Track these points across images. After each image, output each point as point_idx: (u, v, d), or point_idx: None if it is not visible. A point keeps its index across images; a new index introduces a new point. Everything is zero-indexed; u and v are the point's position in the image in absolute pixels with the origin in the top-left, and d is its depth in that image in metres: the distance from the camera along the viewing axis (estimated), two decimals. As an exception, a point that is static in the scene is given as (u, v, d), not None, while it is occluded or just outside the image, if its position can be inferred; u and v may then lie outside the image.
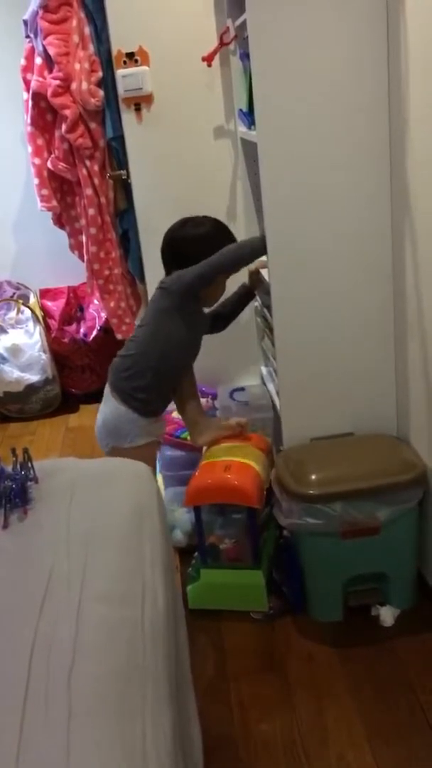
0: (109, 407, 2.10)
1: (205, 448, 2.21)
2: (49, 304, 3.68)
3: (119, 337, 3.05)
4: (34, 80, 2.73)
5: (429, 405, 1.85)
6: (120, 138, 2.65)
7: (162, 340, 2.05)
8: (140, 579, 1.10)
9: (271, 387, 2.42)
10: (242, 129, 2.35)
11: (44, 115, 2.80)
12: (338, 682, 1.79)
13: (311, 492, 1.84)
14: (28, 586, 1.05)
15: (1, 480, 1.28)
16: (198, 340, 2.16)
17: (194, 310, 2.10)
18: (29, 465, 1.35)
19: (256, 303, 2.54)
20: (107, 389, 2.12)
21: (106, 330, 3.36)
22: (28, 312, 3.55)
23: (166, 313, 2.05)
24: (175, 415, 2.62)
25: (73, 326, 3.65)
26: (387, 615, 1.94)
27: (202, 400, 2.60)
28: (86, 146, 2.72)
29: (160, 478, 2.41)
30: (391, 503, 1.86)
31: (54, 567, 1.09)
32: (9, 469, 1.34)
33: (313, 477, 1.88)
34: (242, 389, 2.54)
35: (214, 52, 2.37)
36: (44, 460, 1.52)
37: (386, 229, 1.93)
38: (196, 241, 2.05)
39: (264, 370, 2.57)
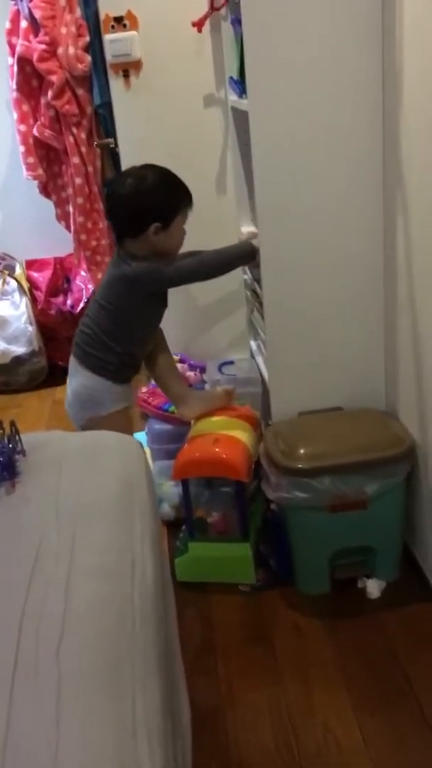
0: (78, 379, 2.07)
1: (193, 422, 2.20)
2: (35, 275, 3.63)
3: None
4: (20, 44, 2.66)
5: (418, 380, 1.85)
6: (107, 105, 2.60)
7: (126, 323, 2.05)
8: (129, 553, 1.10)
9: (260, 361, 2.41)
10: (233, 97, 2.31)
11: (30, 80, 2.74)
12: (324, 654, 1.80)
13: (300, 466, 1.84)
14: (17, 560, 1.04)
15: (-12, 453, 1.27)
16: (163, 310, 2.14)
17: (160, 293, 2.10)
18: (17, 438, 1.33)
19: (246, 276, 2.52)
20: (73, 362, 2.10)
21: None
22: (14, 283, 3.50)
23: (129, 303, 2.03)
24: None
25: (60, 298, 3.61)
26: (373, 587, 1.95)
27: (190, 374, 2.59)
28: (73, 113, 2.67)
29: (148, 451, 2.40)
30: (379, 477, 1.86)
31: (43, 541, 1.08)
32: (-4, 441, 1.33)
33: (302, 451, 1.88)
34: (231, 362, 2.52)
35: (205, 18, 2.31)
36: (32, 433, 1.51)
37: (378, 202, 1.91)
38: (142, 201, 1.95)
39: (253, 343, 2.55)
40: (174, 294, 2.68)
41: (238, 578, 2.03)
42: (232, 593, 2.02)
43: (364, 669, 1.75)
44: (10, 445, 1.30)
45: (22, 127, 2.80)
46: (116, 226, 2.06)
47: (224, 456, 1.95)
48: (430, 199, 1.64)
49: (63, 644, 0.88)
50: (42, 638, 0.90)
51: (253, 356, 2.55)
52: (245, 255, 2.06)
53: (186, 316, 2.69)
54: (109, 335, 2.04)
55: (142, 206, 1.94)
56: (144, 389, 2.61)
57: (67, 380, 2.14)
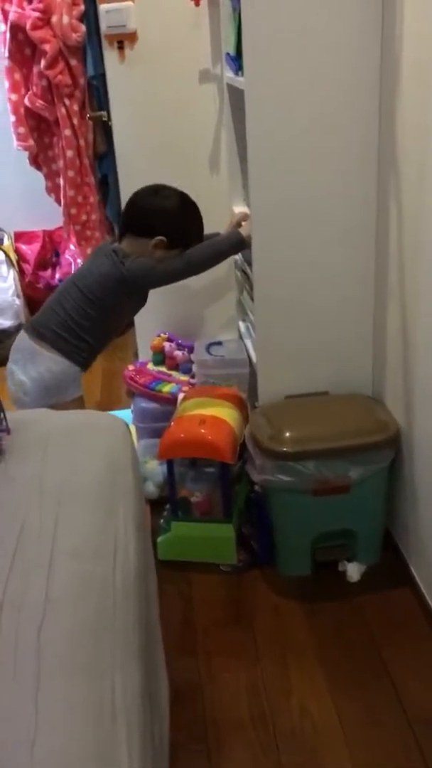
0: (43, 365, 2.02)
1: (179, 402, 2.19)
2: (23, 247, 3.59)
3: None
4: (13, 11, 2.60)
5: (405, 366, 1.85)
6: (101, 77, 2.55)
7: (106, 319, 2.06)
8: (112, 535, 1.10)
9: (248, 342, 2.40)
10: (229, 74, 2.27)
11: (22, 48, 2.68)
12: (303, 635, 1.82)
13: (285, 449, 1.85)
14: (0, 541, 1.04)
15: (-27, 431, 1.26)
16: (143, 304, 2.18)
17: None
18: (1, 415, 1.32)
19: (236, 257, 2.50)
20: (35, 345, 2.04)
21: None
22: (1, 255, 3.46)
23: (117, 298, 2.04)
24: (151, 366, 2.60)
25: (48, 271, 3.58)
26: (353, 571, 1.97)
27: (178, 353, 2.58)
28: (66, 84, 2.63)
29: (133, 429, 2.40)
30: (363, 463, 1.87)
31: (26, 521, 1.08)
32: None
33: (288, 435, 1.88)
34: (219, 343, 2.51)
35: (203, -9, 2.27)
36: (17, 411, 1.50)
37: (372, 187, 1.90)
38: (162, 214, 2.02)
39: (242, 325, 2.54)
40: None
41: (220, 558, 2.04)
42: (213, 573, 2.03)
43: (341, 651, 1.77)
44: (-5, 424, 1.29)
45: (14, 96, 2.75)
46: (126, 221, 2.09)
47: (210, 437, 1.95)
48: (424, 185, 1.63)
49: (44, 626, 0.89)
50: (23, 619, 0.90)
51: (241, 337, 2.54)
52: (234, 245, 2.07)
53: (175, 295, 2.67)
54: (83, 327, 2.03)
55: (161, 217, 2.02)
56: (131, 367, 2.60)
57: (13, 367, 2.06)
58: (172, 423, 2.06)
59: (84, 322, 2.03)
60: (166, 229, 2.00)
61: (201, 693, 1.68)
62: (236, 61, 2.14)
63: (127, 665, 0.89)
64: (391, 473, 1.95)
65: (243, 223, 2.14)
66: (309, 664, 1.74)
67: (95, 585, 0.98)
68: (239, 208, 2.40)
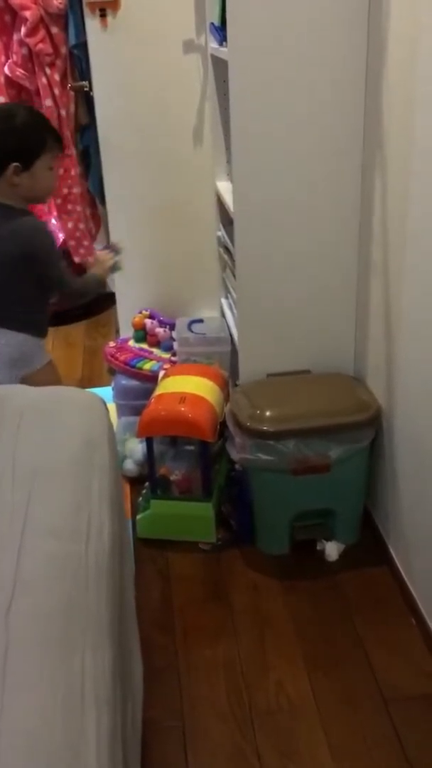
0: (3, 339, 1.97)
1: (160, 379, 2.17)
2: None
3: (76, 260, 2.95)
4: (-8, -25, 2.53)
5: (387, 346, 1.84)
6: (83, 46, 2.49)
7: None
8: (86, 513, 1.08)
9: (230, 320, 2.38)
10: (213, 45, 2.22)
11: (2, 15, 2.61)
12: (281, 614, 1.82)
13: (265, 428, 1.83)
14: (-31, 518, 1.02)
15: None
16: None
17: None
18: (-25, 391, 1.30)
19: (219, 232, 2.47)
20: None
21: (63, 252, 3.24)
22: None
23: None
24: (132, 343, 2.57)
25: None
26: (332, 550, 1.97)
27: (159, 330, 2.56)
28: (47, 52, 2.56)
29: (112, 407, 2.38)
30: (343, 442, 1.86)
31: (-3, 498, 1.06)
32: None
33: (268, 413, 1.87)
34: (201, 321, 2.49)
35: (187, -42, 2.21)
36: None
37: (356, 162, 1.87)
38: (4, 133, 1.87)
39: (224, 302, 2.52)
40: (146, 249, 2.63)
41: (199, 536, 2.04)
42: (192, 551, 2.02)
43: (318, 629, 1.77)
44: (-32, 399, 1.27)
45: (-7, 65, 2.68)
46: None
47: (190, 415, 1.93)
48: (408, 160, 1.61)
49: (13, 606, 0.87)
50: (-8, 598, 0.88)
51: (223, 315, 2.51)
52: (97, 284, 2.14)
53: (157, 271, 2.64)
54: (24, 301, 1.99)
55: (12, 138, 1.87)
56: (111, 344, 2.58)
57: None
58: (152, 400, 2.04)
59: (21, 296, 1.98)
60: (13, 153, 1.86)
61: (177, 670, 1.68)
62: (221, 31, 2.09)
63: (99, 645, 0.88)
64: (371, 453, 1.94)
65: (93, 264, 2.21)
66: (286, 642, 1.74)
67: (67, 564, 0.96)
68: (222, 184, 2.37)
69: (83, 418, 1.33)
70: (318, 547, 1.99)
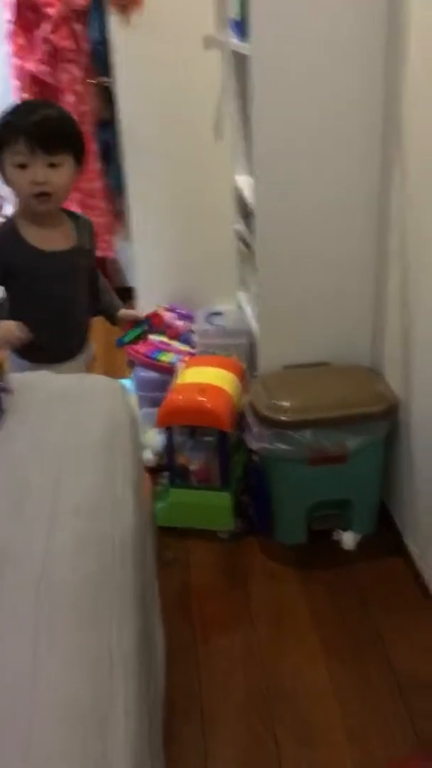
0: None
1: (179, 369, 2.20)
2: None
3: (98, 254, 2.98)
4: (16, -27, 2.56)
5: (404, 338, 1.86)
6: (105, 43, 2.52)
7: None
8: (111, 494, 1.11)
9: (248, 312, 2.41)
10: (233, 40, 2.25)
11: (26, 12, 2.64)
12: (298, 601, 1.85)
13: (283, 418, 1.86)
14: (2, 496, 1.06)
15: (-26, 391, 1.27)
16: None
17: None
18: (3, 376, 1.34)
19: (238, 226, 2.50)
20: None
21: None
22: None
23: None
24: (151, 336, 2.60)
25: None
26: (348, 539, 1.99)
27: (179, 323, 2.58)
28: (69, 49, 2.60)
29: (134, 398, 2.41)
30: (360, 433, 1.89)
31: (28, 477, 1.09)
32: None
33: (286, 404, 1.89)
34: (219, 314, 2.52)
35: None
36: (17, 374, 1.51)
37: (376, 156, 1.89)
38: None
39: (242, 295, 2.54)
40: (165, 243, 2.66)
41: (218, 525, 2.07)
42: (210, 540, 2.05)
43: (335, 617, 1.80)
44: (-2, 383, 1.30)
45: (18, 62, 2.71)
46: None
47: (209, 405, 1.96)
48: (427, 156, 1.62)
49: (44, 578, 0.90)
50: (23, 575, 0.91)
51: (240, 307, 2.54)
52: (113, 307, 1.95)
53: (176, 264, 2.67)
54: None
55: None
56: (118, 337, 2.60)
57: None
58: (172, 390, 2.07)
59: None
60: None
61: (196, 655, 1.71)
62: (240, 26, 2.11)
63: (125, 618, 0.91)
64: (388, 444, 1.96)
65: (125, 312, 1.98)
66: (303, 630, 1.77)
67: (94, 541, 0.99)
68: (242, 178, 2.39)
69: (106, 403, 1.37)
70: (334, 537, 2.01)
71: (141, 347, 2.54)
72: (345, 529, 2.01)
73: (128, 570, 0.99)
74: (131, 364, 2.63)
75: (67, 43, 2.58)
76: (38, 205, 1.66)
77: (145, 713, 0.86)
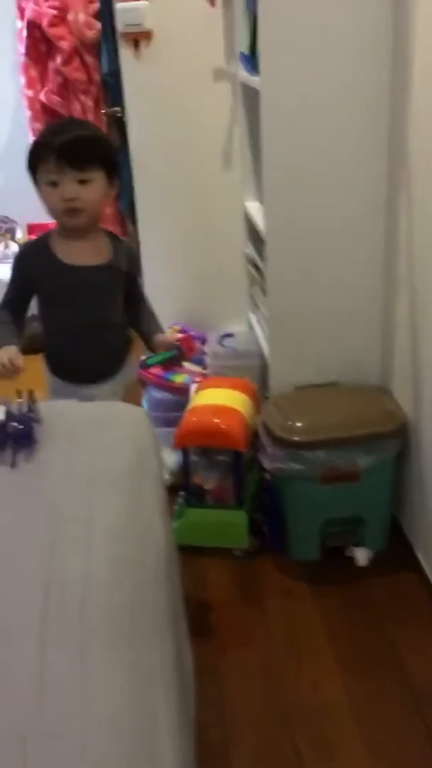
0: None
1: (193, 391, 2.26)
2: (35, 239, 3.64)
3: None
4: (30, 8, 2.65)
5: (413, 358, 1.91)
6: (115, 73, 2.60)
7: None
8: (142, 518, 1.17)
9: (258, 333, 2.47)
10: (242, 73, 2.33)
11: (38, 45, 2.74)
12: (313, 617, 1.90)
13: (296, 439, 1.92)
14: (39, 524, 1.11)
15: (9, 420, 1.33)
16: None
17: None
18: (33, 406, 1.39)
19: (248, 250, 2.56)
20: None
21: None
22: (15, 247, 3.52)
23: None
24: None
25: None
26: (361, 556, 2.04)
27: (176, 334, 2.63)
28: (81, 80, 2.68)
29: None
30: (372, 452, 1.94)
31: (62, 506, 1.15)
32: (14, 408, 1.38)
33: (299, 424, 1.95)
34: (231, 335, 2.58)
35: (218, -8, 2.32)
36: (42, 402, 1.56)
37: (382, 183, 1.95)
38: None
39: (252, 317, 2.61)
40: (176, 267, 2.72)
41: (233, 543, 2.11)
42: (226, 558, 2.10)
43: (349, 631, 1.85)
44: (29, 413, 1.36)
45: (30, 93, 2.80)
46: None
47: (224, 427, 2.02)
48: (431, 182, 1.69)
49: (87, 603, 0.96)
50: (66, 598, 0.97)
51: (251, 328, 2.60)
52: (151, 332, 1.90)
53: (186, 287, 2.74)
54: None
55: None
56: (143, 357, 2.67)
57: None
58: (187, 413, 2.12)
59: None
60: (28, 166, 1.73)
61: (216, 671, 1.75)
62: (250, 60, 2.19)
63: (163, 639, 0.96)
64: (399, 462, 2.02)
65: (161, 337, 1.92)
66: (319, 644, 1.82)
67: (131, 565, 1.05)
68: (251, 204, 2.46)
69: (131, 430, 1.43)
70: (347, 554, 2.06)
71: (153, 368, 2.60)
72: (358, 545, 2.06)
73: (163, 590, 1.05)
74: (143, 384, 2.69)
75: (78, 75, 2.66)
76: (68, 221, 1.70)
77: (187, 726, 0.92)
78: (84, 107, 2.71)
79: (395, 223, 1.94)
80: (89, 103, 2.71)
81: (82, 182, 1.66)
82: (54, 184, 1.66)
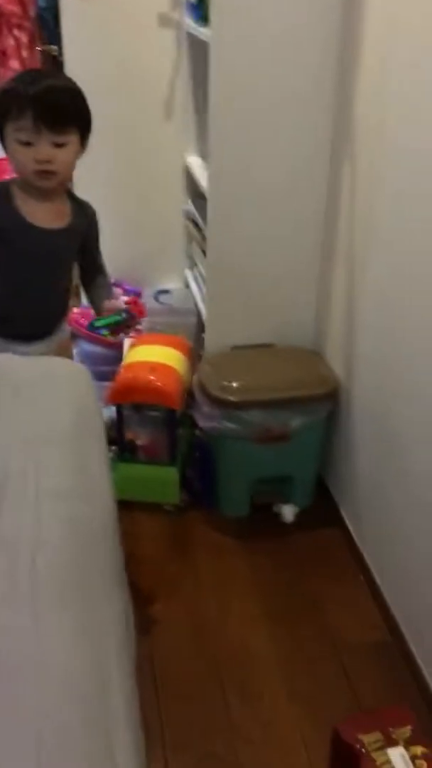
0: None
1: (128, 347, 2.25)
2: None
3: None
4: None
5: (347, 322, 1.96)
6: (52, 9, 2.48)
7: None
8: (89, 475, 1.17)
9: (195, 291, 2.46)
10: (188, 22, 2.26)
11: (-30, -28, 2.56)
12: (241, 571, 1.96)
13: (233, 399, 1.94)
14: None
15: None
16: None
17: None
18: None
19: (187, 206, 2.54)
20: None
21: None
22: None
23: None
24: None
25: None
26: (288, 512, 2.11)
27: (124, 298, 2.61)
28: (15, 13, 2.54)
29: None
30: (303, 413, 1.99)
31: (8, 465, 1.13)
32: None
33: (235, 385, 1.98)
34: (167, 292, 2.56)
35: None
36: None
37: (327, 145, 1.96)
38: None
39: (189, 273, 2.59)
40: (112, 219, 2.65)
41: (164, 499, 2.14)
42: (157, 512, 2.13)
43: (276, 585, 1.92)
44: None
45: (-42, 22, 2.63)
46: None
47: (160, 384, 2.02)
48: (374, 144, 1.71)
49: (36, 561, 0.96)
50: (17, 557, 0.96)
51: (187, 286, 2.59)
52: (101, 298, 1.87)
53: (123, 241, 2.68)
54: None
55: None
56: (76, 310, 2.62)
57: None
58: (122, 369, 2.11)
59: None
60: None
61: (148, 622, 1.79)
62: (197, 9, 2.13)
63: (112, 595, 0.98)
64: (328, 423, 2.08)
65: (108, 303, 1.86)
66: (246, 597, 1.88)
67: (79, 522, 1.05)
68: (193, 158, 2.42)
69: (73, 387, 1.41)
70: (274, 510, 2.13)
71: (85, 321, 2.56)
72: (285, 503, 2.12)
73: (109, 549, 1.06)
74: (73, 337, 2.65)
75: (12, 8, 2.52)
76: (40, 183, 1.62)
77: (134, 677, 0.94)
78: (18, 43, 2.57)
79: (338, 186, 1.96)
80: (24, 38, 2.57)
81: (58, 145, 1.57)
82: (28, 144, 1.55)
